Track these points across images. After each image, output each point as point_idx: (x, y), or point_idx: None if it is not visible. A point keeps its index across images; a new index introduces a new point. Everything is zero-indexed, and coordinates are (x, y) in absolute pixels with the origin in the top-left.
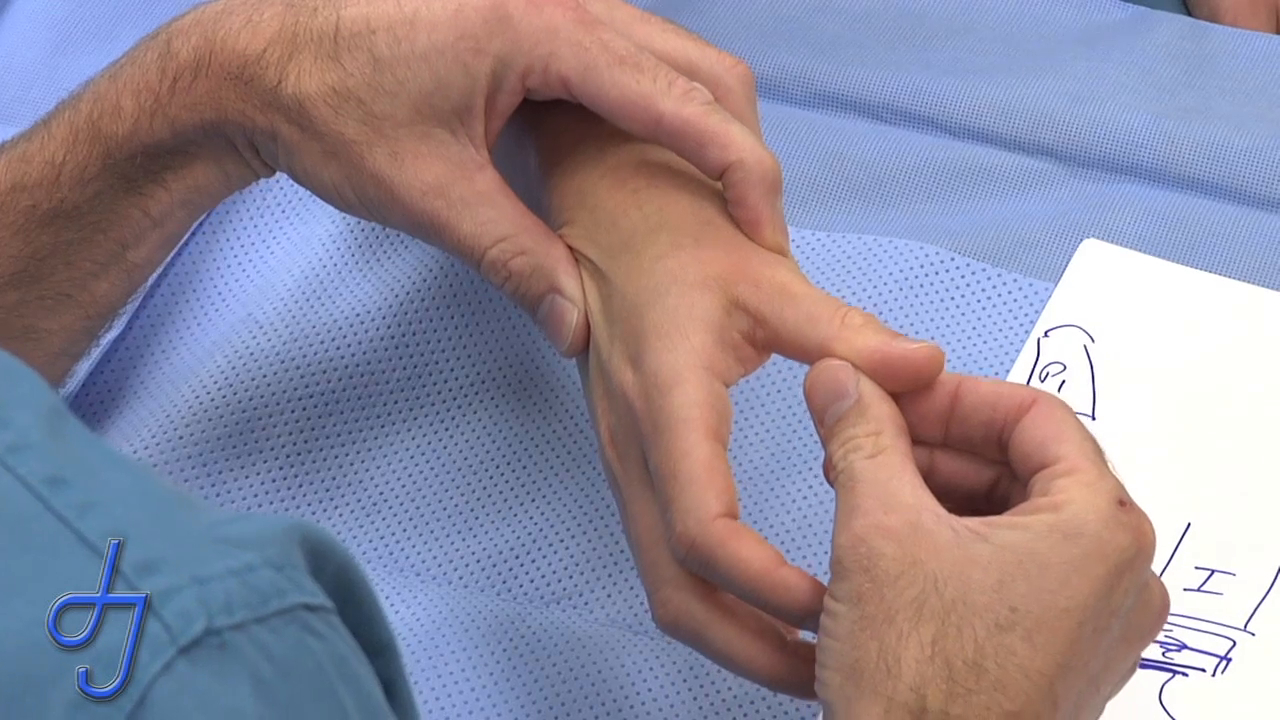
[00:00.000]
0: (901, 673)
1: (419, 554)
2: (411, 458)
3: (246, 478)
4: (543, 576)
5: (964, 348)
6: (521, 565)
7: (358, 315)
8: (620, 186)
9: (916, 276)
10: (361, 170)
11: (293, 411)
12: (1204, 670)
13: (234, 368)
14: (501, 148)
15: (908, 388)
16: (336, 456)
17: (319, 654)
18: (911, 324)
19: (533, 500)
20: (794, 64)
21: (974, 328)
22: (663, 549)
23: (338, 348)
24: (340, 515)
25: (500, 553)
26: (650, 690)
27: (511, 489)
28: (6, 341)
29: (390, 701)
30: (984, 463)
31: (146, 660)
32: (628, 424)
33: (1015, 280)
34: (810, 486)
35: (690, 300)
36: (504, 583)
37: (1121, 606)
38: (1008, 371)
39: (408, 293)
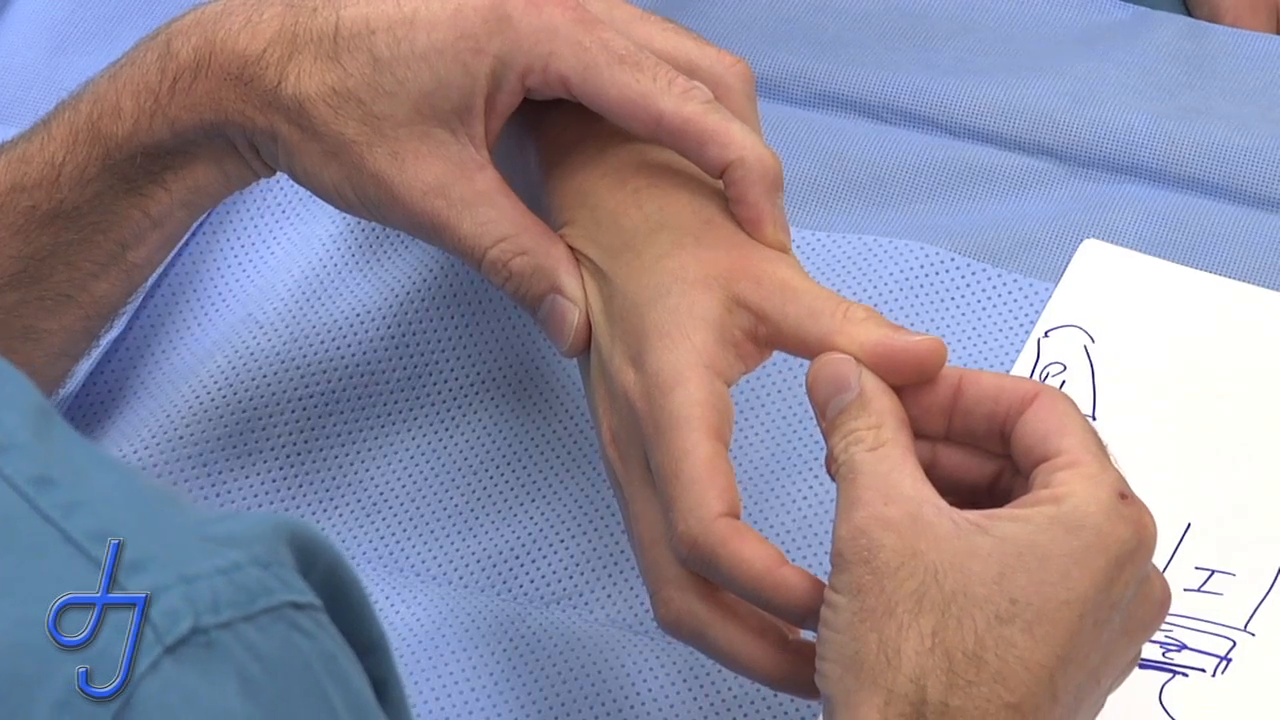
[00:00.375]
0: (901, 664)
1: (419, 554)
2: (411, 458)
3: (246, 478)
4: (542, 577)
5: (964, 348)
6: (521, 565)
7: (358, 315)
8: (621, 186)
9: (917, 276)
10: (362, 170)
11: (293, 411)
12: (1204, 670)
13: (234, 368)
14: (502, 148)
15: (910, 381)
16: (336, 457)
17: (307, 652)
18: (912, 324)
19: (533, 500)
20: (794, 64)
21: (974, 328)
22: (664, 549)
23: (338, 348)
24: (340, 515)
25: (500, 553)
26: (650, 690)
27: (511, 489)
28: (6, 342)
29: (382, 701)
30: (986, 456)
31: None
32: (629, 424)
33: (1015, 280)
34: (810, 486)
35: (691, 299)
36: (504, 583)
37: (1122, 599)
38: (1008, 372)
39: (408, 293)
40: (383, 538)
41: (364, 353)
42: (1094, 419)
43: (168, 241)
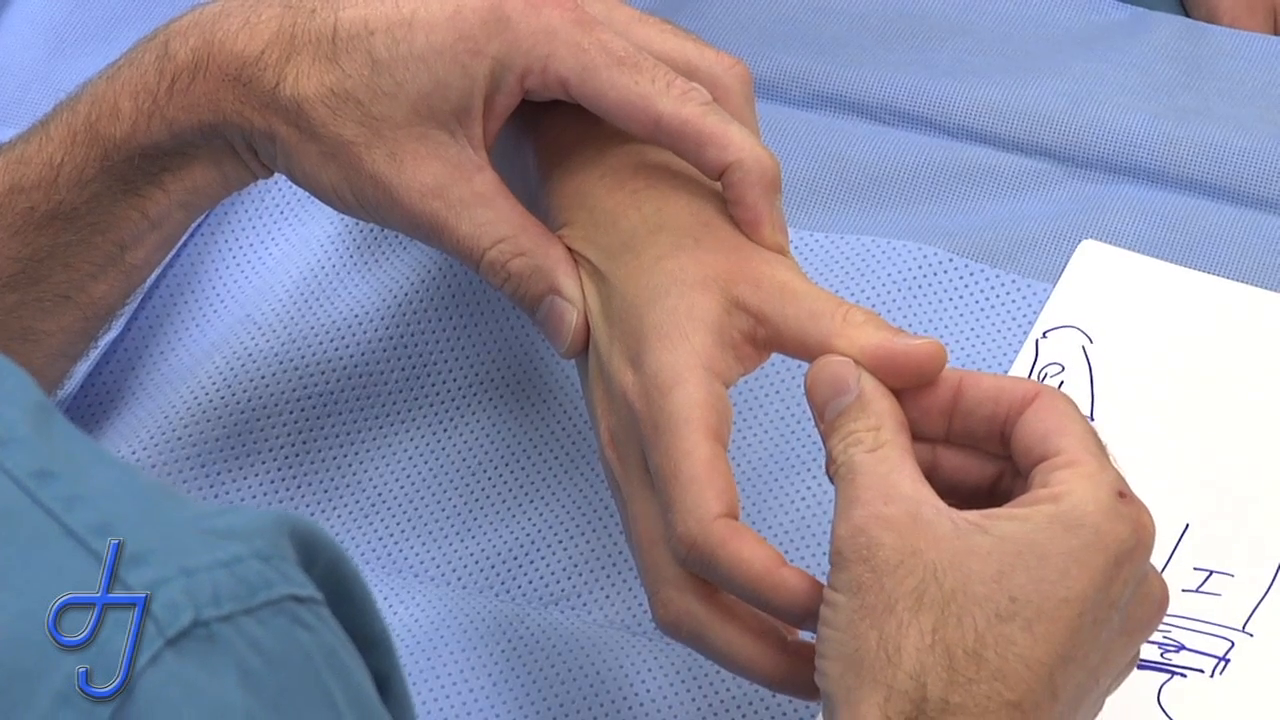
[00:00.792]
0: (902, 661)
1: (417, 554)
2: (410, 458)
3: (245, 478)
4: (541, 577)
5: (963, 349)
6: (520, 566)
7: (356, 316)
8: (619, 187)
9: (915, 277)
10: (360, 171)
11: (291, 412)
12: (1202, 671)
13: (232, 368)
14: (500, 149)
15: (910, 383)
16: (335, 457)
17: (307, 645)
18: (910, 325)
19: (531, 501)
20: (792, 65)
21: (972, 329)
22: (663, 550)
23: (336, 348)
24: (339, 516)
25: (499, 553)
26: (649, 691)
27: (510, 490)
28: (5, 343)
29: (385, 697)
30: (987, 458)
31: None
32: (628, 425)
33: (1014, 281)
34: (809, 487)
35: (690, 300)
36: (502, 583)
37: (1121, 598)
38: (1006, 372)
39: (406, 293)
40: (381, 538)
41: (362, 353)
42: (1092, 419)
43: (166, 242)
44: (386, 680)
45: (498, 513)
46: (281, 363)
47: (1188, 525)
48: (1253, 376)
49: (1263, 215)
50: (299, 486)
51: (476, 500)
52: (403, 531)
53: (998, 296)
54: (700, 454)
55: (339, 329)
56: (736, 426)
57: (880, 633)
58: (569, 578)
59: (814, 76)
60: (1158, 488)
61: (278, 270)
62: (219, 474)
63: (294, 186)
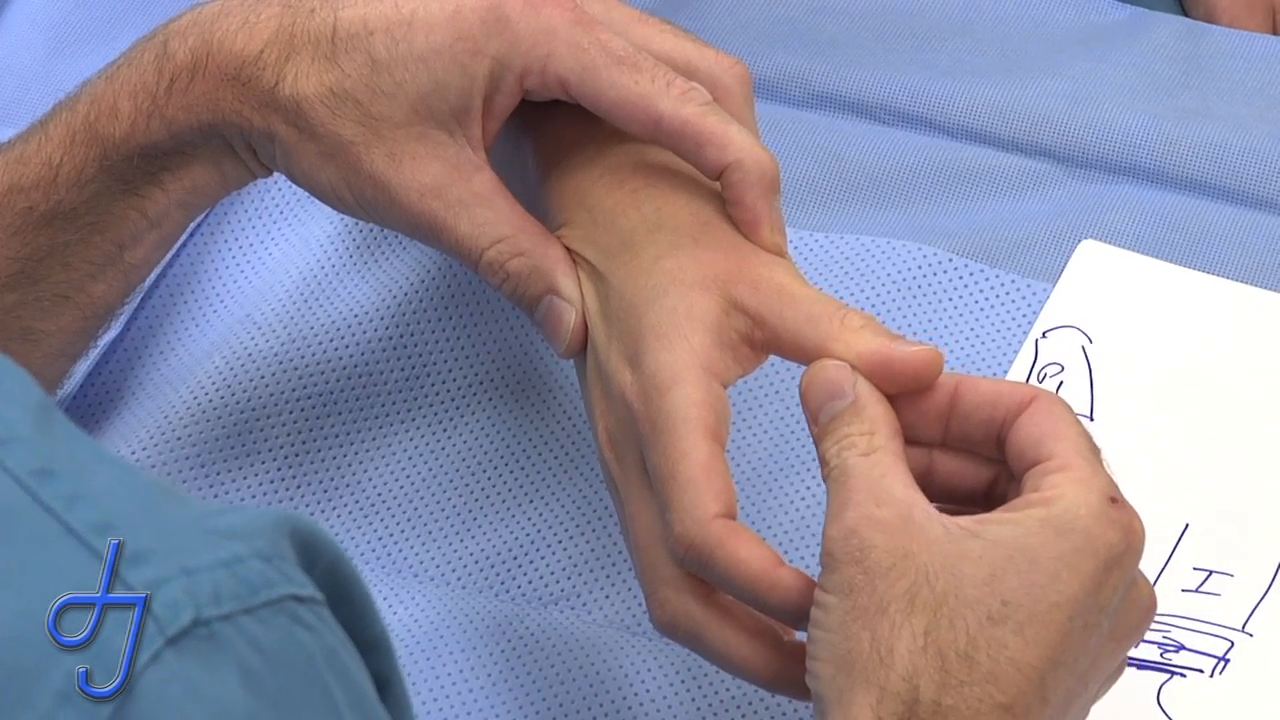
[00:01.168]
0: (894, 663)
1: (417, 555)
2: (410, 458)
3: (245, 478)
4: (540, 577)
5: (962, 349)
6: (520, 566)
7: (356, 316)
8: (619, 187)
9: (914, 277)
10: (359, 171)
11: (291, 412)
12: (1202, 671)
13: (232, 368)
14: (499, 149)
15: (907, 389)
16: (335, 457)
17: (308, 645)
18: (909, 325)
19: (530, 501)
20: (791, 65)
21: (972, 329)
22: (661, 550)
23: (336, 348)
24: (338, 516)
25: (498, 553)
26: (648, 691)
27: (509, 489)
28: (4, 343)
29: (385, 699)
30: (982, 462)
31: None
32: (626, 425)
33: (1013, 281)
34: (809, 487)
35: (690, 301)
36: (502, 583)
37: (1110, 603)
38: (1006, 373)
39: (405, 293)
40: (380, 538)
41: (362, 353)
42: (1091, 420)
43: (165, 242)
44: (386, 683)
45: (497, 513)
46: (281, 362)
47: (1187, 525)
48: (1252, 376)
49: (1262, 215)
50: (299, 486)
51: (476, 500)
52: (402, 531)
53: (997, 296)
54: (698, 454)
55: (339, 329)
56: (736, 427)
57: (873, 634)
58: (569, 577)
59: (813, 76)
60: (1158, 488)
61: (277, 270)
62: (219, 474)
63: (294, 186)
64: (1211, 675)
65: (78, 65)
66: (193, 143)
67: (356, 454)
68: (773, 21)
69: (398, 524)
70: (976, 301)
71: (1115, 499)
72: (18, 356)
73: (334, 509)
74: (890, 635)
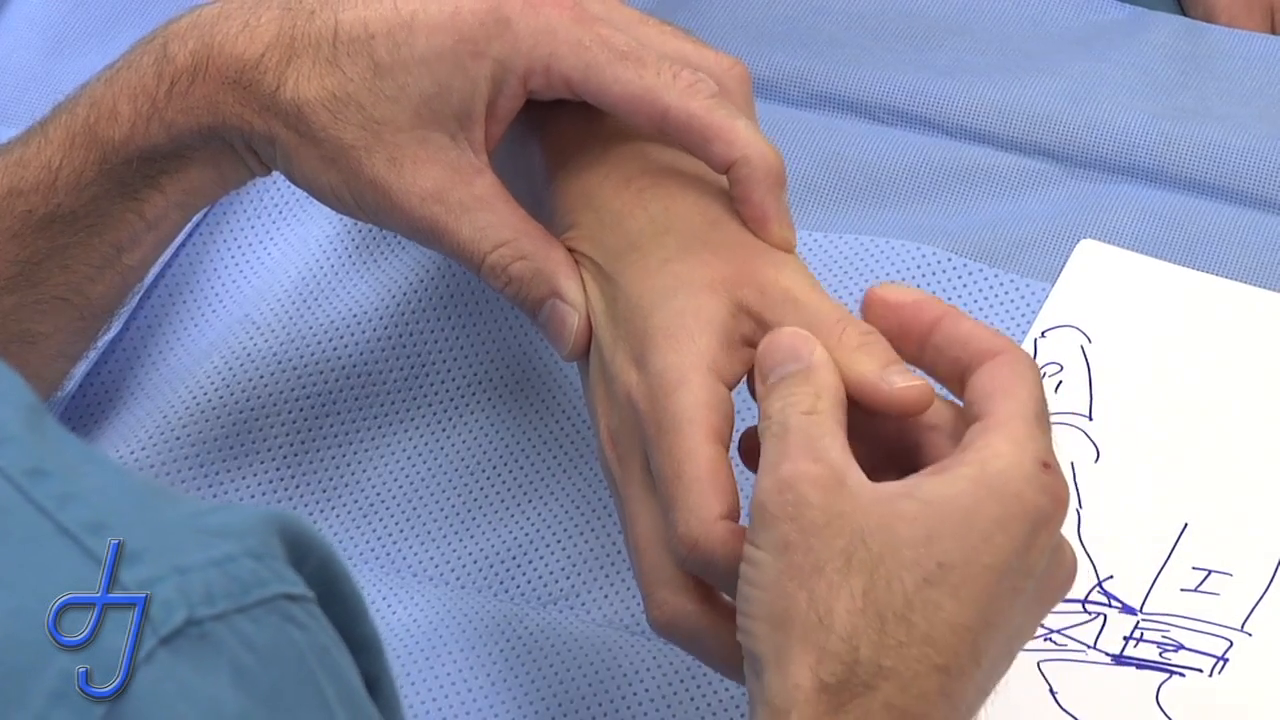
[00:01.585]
0: (833, 623)
1: (416, 555)
2: (409, 458)
3: (243, 478)
4: (540, 577)
5: None
6: (519, 566)
7: (355, 316)
8: (625, 187)
9: (914, 277)
10: (360, 176)
11: (289, 412)
12: (1201, 670)
13: (231, 369)
14: (505, 150)
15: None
16: (333, 457)
17: (300, 643)
18: None
19: (530, 501)
20: (791, 65)
21: None
22: (662, 550)
23: (335, 349)
24: (337, 516)
25: (497, 553)
26: (648, 690)
27: (509, 489)
28: (4, 345)
29: (375, 699)
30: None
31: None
32: (629, 425)
33: (1012, 281)
34: None
35: (698, 303)
36: (501, 583)
37: (1037, 566)
38: None
39: (405, 293)
40: (379, 538)
41: (361, 354)
42: (1090, 419)
43: (162, 242)
44: (375, 682)
45: (496, 512)
46: (280, 362)
47: (1186, 525)
48: (1251, 376)
49: (1261, 214)
50: (297, 486)
51: (475, 500)
52: (401, 531)
53: (996, 296)
54: (704, 454)
55: (338, 329)
56: (739, 427)
57: (810, 593)
58: (568, 577)
59: (812, 76)
60: (1157, 487)
61: (276, 270)
62: (217, 474)
63: (293, 186)
64: (1210, 675)
65: (76, 65)
66: (191, 145)
67: (356, 453)
68: (771, 21)
69: (397, 524)
70: (975, 301)
71: (1048, 464)
72: (17, 358)
73: (333, 508)
74: (828, 595)
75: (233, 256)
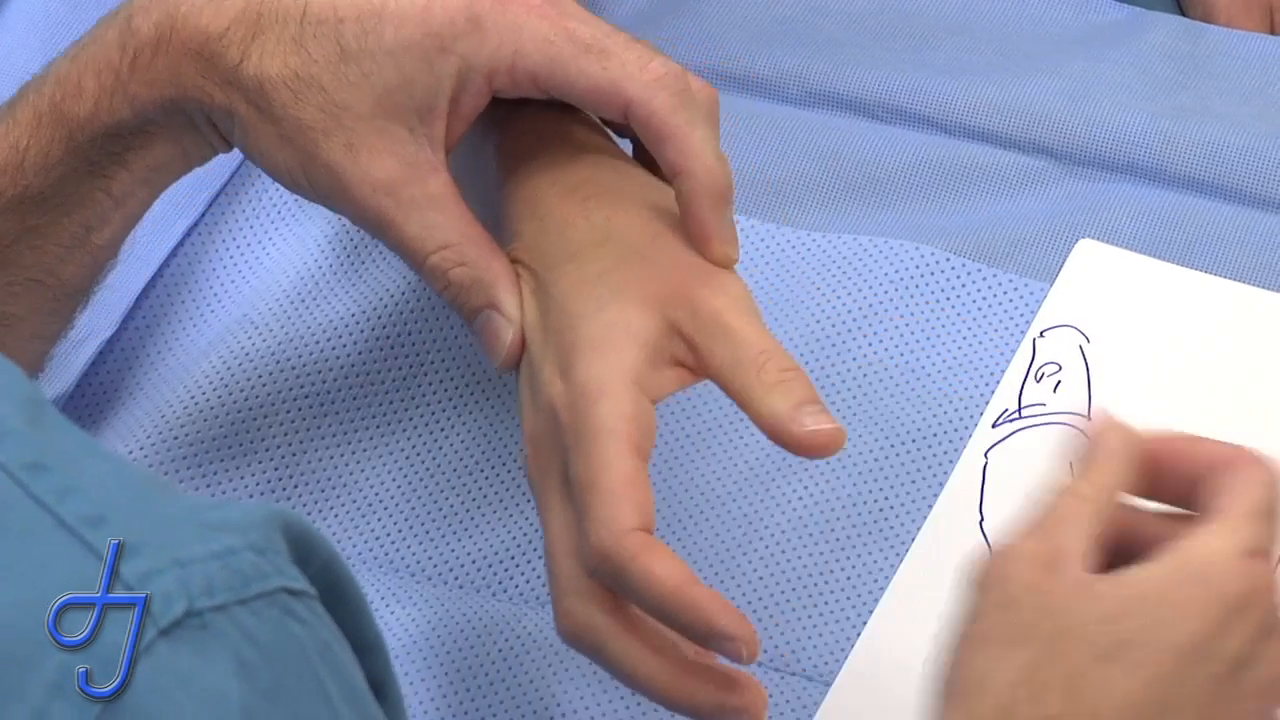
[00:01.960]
0: (988, 689)
1: (413, 554)
2: (406, 458)
3: (241, 478)
4: (538, 577)
5: (959, 348)
6: (516, 566)
7: (353, 316)
8: (570, 195)
9: (912, 277)
10: (315, 158)
11: (287, 412)
12: None
13: (229, 368)
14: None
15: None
16: (331, 457)
17: (301, 638)
18: (907, 325)
19: (527, 501)
20: (790, 63)
21: (969, 328)
22: (573, 560)
23: (333, 349)
24: (335, 516)
25: (495, 553)
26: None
27: (506, 490)
28: None
29: (381, 703)
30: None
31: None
32: (551, 434)
33: (1011, 280)
34: (806, 487)
35: (627, 316)
36: (499, 583)
37: (1240, 653)
38: (1003, 371)
39: (403, 294)
40: (377, 538)
41: (359, 354)
42: (1088, 419)
43: (129, 220)
44: (382, 685)
45: (494, 512)
46: (278, 363)
47: None
48: (1250, 376)
49: (1260, 214)
50: (295, 486)
51: (473, 500)
52: (399, 531)
53: (995, 296)
54: (620, 466)
55: (336, 329)
56: (735, 428)
57: (976, 660)
58: None
59: (811, 75)
60: None
61: (274, 271)
62: (215, 473)
63: None
64: None
65: None
66: (155, 119)
67: (353, 453)
68: (771, 20)
69: (395, 524)
70: (974, 301)
71: (1257, 553)
72: None
73: (331, 508)
74: (992, 664)
75: (231, 257)
